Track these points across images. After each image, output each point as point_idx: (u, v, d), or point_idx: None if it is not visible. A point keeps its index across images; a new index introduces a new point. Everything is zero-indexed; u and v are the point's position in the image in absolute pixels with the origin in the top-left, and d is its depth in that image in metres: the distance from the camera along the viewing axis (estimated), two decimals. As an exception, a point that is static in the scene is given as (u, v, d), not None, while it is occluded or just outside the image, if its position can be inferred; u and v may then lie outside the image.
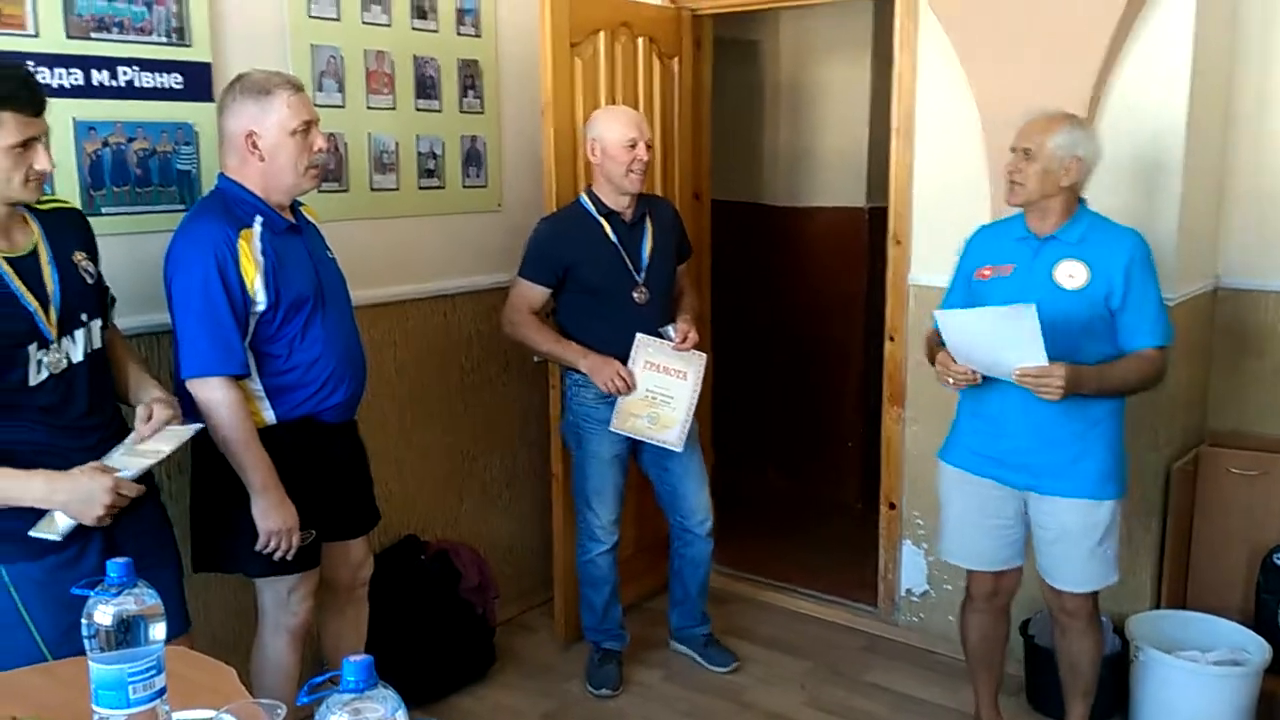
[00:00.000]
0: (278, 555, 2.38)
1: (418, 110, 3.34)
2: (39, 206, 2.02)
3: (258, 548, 2.36)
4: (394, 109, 3.27)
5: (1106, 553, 2.63)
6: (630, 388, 3.09)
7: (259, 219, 2.35)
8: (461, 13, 3.44)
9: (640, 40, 3.68)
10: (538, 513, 3.73)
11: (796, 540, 4.46)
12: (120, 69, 2.60)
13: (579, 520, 3.36)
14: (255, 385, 2.37)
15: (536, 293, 3.17)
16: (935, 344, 2.67)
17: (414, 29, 3.31)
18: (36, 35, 2.45)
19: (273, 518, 2.34)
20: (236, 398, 2.29)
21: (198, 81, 2.76)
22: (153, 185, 2.69)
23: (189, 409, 2.28)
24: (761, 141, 5.14)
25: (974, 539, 2.75)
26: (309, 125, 2.37)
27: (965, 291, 2.70)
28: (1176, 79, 2.95)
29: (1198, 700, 2.85)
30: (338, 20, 3.09)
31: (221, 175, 2.42)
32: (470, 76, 3.49)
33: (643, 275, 3.17)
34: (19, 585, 1.92)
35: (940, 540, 2.86)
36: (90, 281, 2.06)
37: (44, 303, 1.93)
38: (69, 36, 2.51)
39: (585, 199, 3.19)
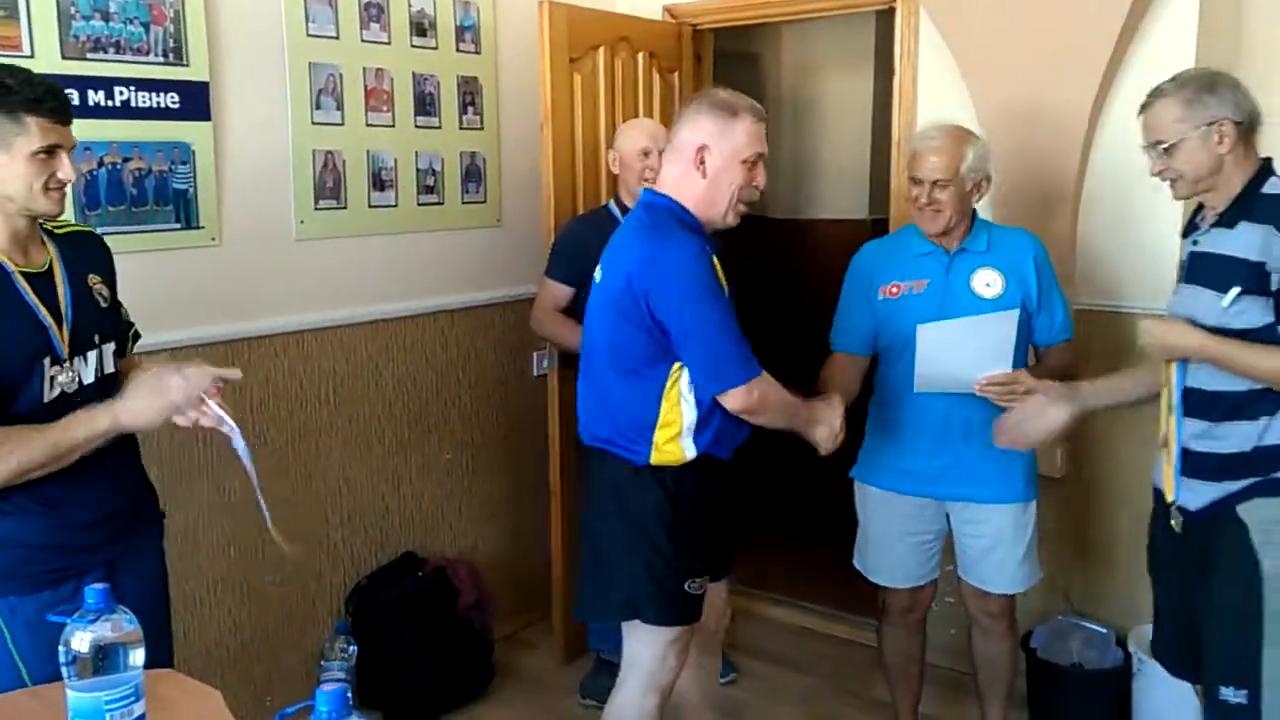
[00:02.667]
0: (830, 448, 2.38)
1: (417, 127, 3.35)
2: (56, 230, 2.01)
3: (825, 450, 2.37)
4: (393, 126, 3.28)
5: (1033, 552, 2.70)
6: None
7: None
8: (461, 30, 3.45)
9: (640, 55, 3.68)
10: (537, 528, 3.72)
11: (800, 555, 4.44)
12: (117, 89, 2.62)
13: None
14: (690, 413, 2.25)
15: (561, 292, 3.19)
16: (834, 378, 2.67)
17: (413, 46, 3.32)
18: (32, 56, 2.46)
19: (829, 431, 2.36)
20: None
21: (195, 101, 2.77)
22: (149, 205, 2.70)
23: None
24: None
25: (896, 556, 2.77)
26: (760, 157, 2.28)
27: (866, 312, 2.68)
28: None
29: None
30: (337, 38, 3.11)
31: (658, 194, 2.30)
32: (470, 93, 3.50)
33: None
34: (10, 621, 1.88)
35: (861, 558, 2.85)
36: (104, 305, 2.03)
37: (58, 320, 1.92)
38: (65, 57, 2.52)
39: (612, 204, 3.24)
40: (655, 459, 2.26)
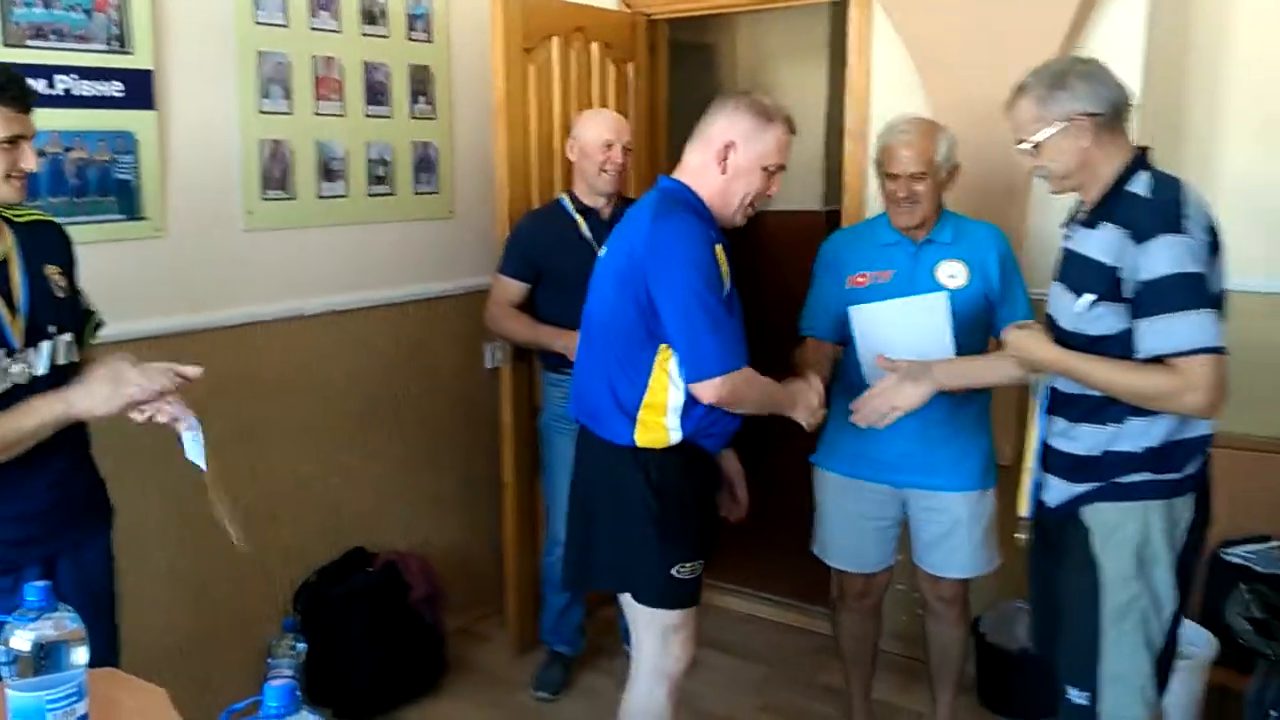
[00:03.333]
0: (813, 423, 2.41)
1: (368, 116, 3.32)
2: (17, 219, 1.97)
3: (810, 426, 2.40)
4: (343, 115, 3.24)
5: (991, 538, 2.74)
6: None
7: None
8: (413, 18, 3.42)
9: (594, 45, 3.66)
10: (490, 521, 3.71)
11: (751, 543, 4.41)
12: (58, 77, 2.56)
13: (547, 520, 3.38)
14: (676, 395, 2.25)
15: (515, 287, 3.20)
16: (807, 361, 2.68)
17: (364, 35, 3.28)
18: (-31, 42, 2.40)
19: (807, 410, 2.39)
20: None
21: (139, 89, 2.72)
22: (91, 195, 2.65)
23: None
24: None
25: (854, 542, 2.80)
26: (781, 168, 2.31)
27: (836, 298, 2.68)
28: (1129, 81, 2.96)
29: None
30: (285, 26, 3.06)
31: (673, 180, 2.32)
32: (422, 82, 3.47)
33: None
34: None
35: (819, 544, 2.88)
36: (61, 295, 2.00)
37: (12, 310, 1.88)
38: (5, 44, 2.46)
39: (565, 198, 3.24)
40: (640, 438, 2.26)
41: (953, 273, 2.60)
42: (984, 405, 2.72)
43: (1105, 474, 2.08)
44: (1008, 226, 2.98)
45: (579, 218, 3.19)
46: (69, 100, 2.59)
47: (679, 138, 4.40)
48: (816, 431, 2.82)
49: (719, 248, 2.22)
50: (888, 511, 2.77)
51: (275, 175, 3.07)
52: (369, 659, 3.15)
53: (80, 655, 1.38)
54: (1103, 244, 2.02)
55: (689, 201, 2.26)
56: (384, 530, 3.48)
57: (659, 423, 2.26)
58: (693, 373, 2.18)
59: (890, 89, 3.36)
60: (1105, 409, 2.07)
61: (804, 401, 2.40)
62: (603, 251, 2.38)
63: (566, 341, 3.11)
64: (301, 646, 3.10)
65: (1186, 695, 2.86)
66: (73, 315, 2.03)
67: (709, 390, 2.18)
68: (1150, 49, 2.97)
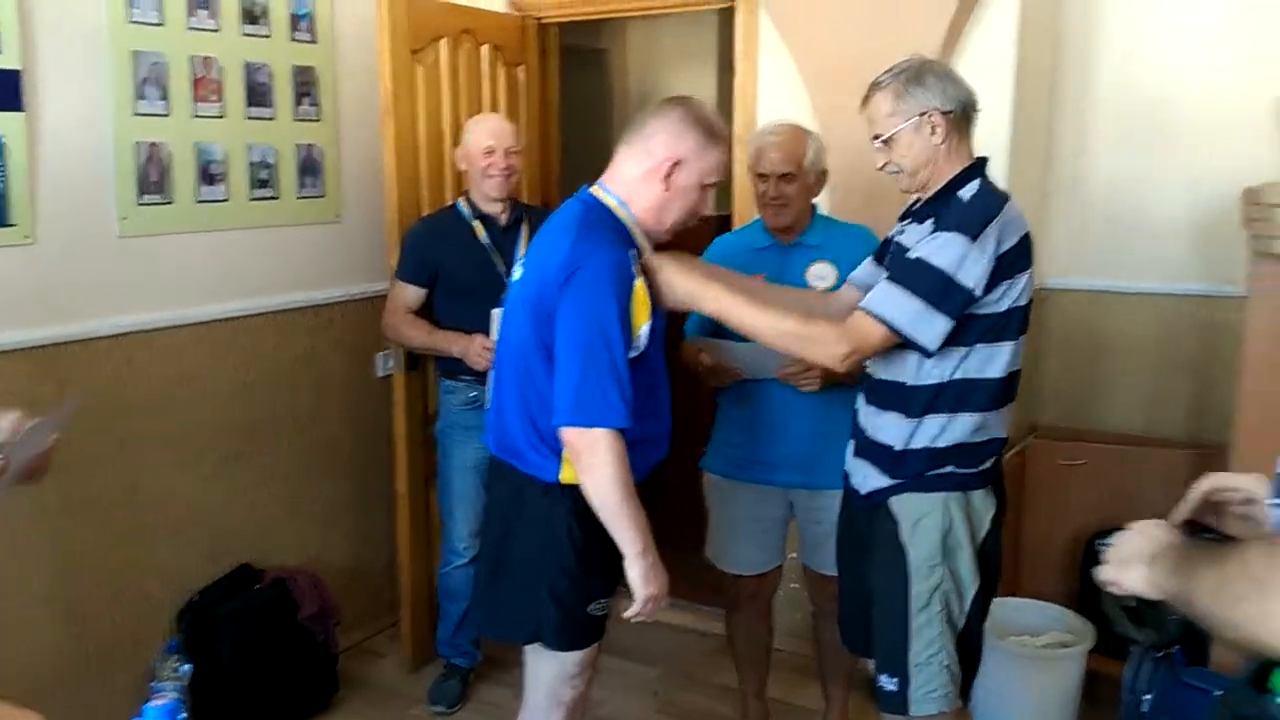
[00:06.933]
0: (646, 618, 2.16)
1: (249, 118, 3.22)
2: None
3: (631, 614, 2.13)
4: (223, 117, 3.14)
5: None
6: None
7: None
8: (296, 18, 3.34)
9: (484, 48, 3.63)
10: (383, 534, 3.64)
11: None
12: (-88, 75, 2.43)
13: (443, 530, 3.34)
14: None
15: (411, 293, 3.17)
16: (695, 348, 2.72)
17: (244, 34, 3.19)
18: None
19: (654, 582, 2.10)
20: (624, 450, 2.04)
21: (5, 90, 2.60)
22: (-50, 199, 2.52)
23: None
24: (611, 150, 5.14)
25: (743, 545, 2.83)
26: (717, 185, 2.21)
27: None
28: (1002, 90, 3.08)
29: (1029, 682, 2.98)
30: (161, 25, 2.96)
31: (593, 197, 2.18)
32: (306, 83, 3.39)
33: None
34: None
35: (710, 548, 2.90)
36: None
37: None
38: None
39: (461, 203, 3.22)
40: (565, 475, 2.12)
41: (822, 274, 2.65)
42: None
43: (913, 467, 2.15)
44: (884, 228, 3.05)
45: (476, 223, 3.17)
46: (-75, 100, 2.45)
47: (571, 141, 4.43)
48: (707, 434, 2.85)
49: (639, 284, 2.06)
50: (774, 513, 2.80)
51: (152, 179, 2.96)
52: (257, 679, 3.05)
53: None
54: (917, 237, 2.10)
55: (612, 224, 2.13)
56: (272, 546, 3.38)
57: None
58: (564, 411, 2.02)
59: (777, 95, 3.41)
60: (907, 401, 2.13)
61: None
62: (517, 273, 2.25)
63: (464, 346, 3.08)
64: (186, 668, 3.01)
65: (1066, 682, 2.98)
66: None
67: (573, 436, 2.03)
68: (1022, 59, 3.08)
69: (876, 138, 2.14)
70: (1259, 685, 1.10)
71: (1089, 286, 3.49)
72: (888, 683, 2.19)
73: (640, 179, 2.15)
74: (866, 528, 2.25)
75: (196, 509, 3.17)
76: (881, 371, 2.18)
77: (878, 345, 2.06)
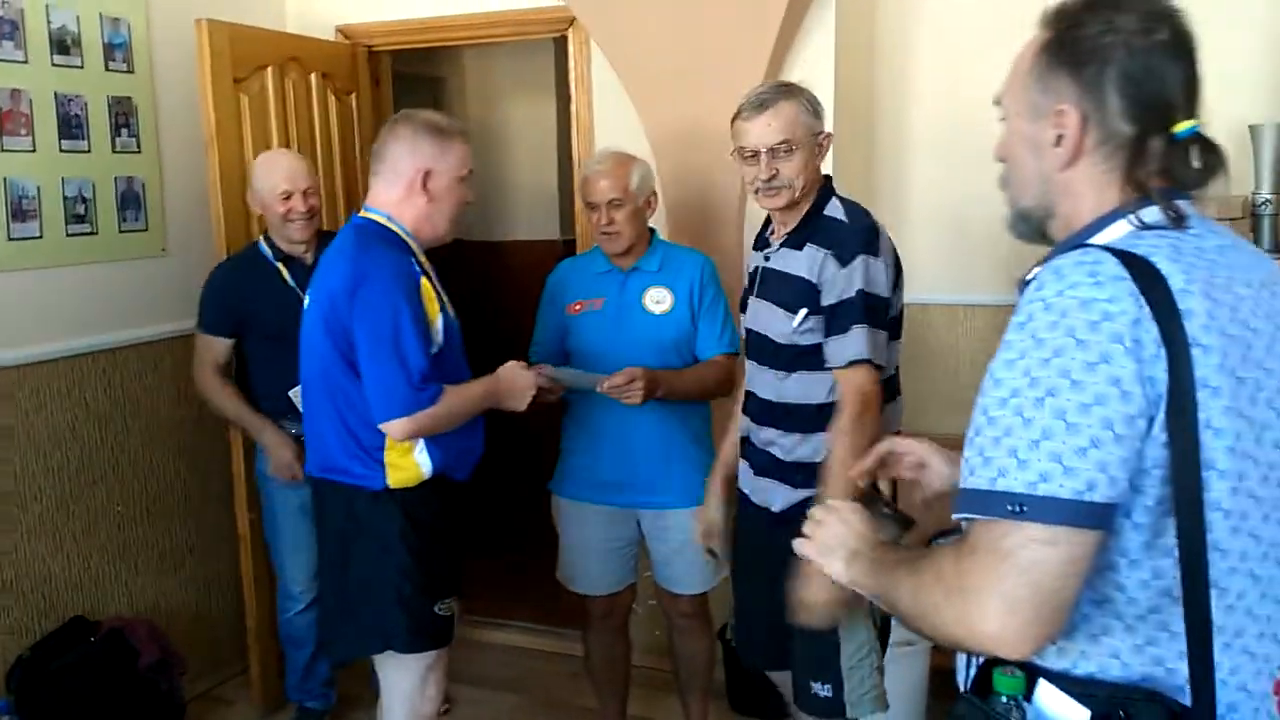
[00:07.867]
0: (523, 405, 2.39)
1: (63, 151, 3.09)
2: None
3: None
4: (33, 150, 3.00)
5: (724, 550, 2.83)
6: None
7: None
8: (110, 47, 3.21)
9: (313, 76, 3.57)
10: (226, 577, 3.50)
11: (498, 571, 4.33)
12: None
13: (278, 578, 3.23)
14: None
15: (218, 344, 3.06)
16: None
17: (55, 65, 3.05)
18: None
19: (522, 388, 2.38)
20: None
21: None
22: None
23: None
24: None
25: (593, 566, 2.86)
26: (471, 174, 2.37)
27: (558, 327, 2.81)
28: (824, 101, 3.17)
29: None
30: (-40, 56, 2.81)
31: (367, 217, 2.32)
32: (123, 114, 3.26)
33: None
34: None
35: (560, 569, 2.92)
36: None
37: None
38: None
39: (262, 243, 3.09)
40: (392, 479, 2.25)
41: (659, 299, 2.72)
42: (705, 420, 2.82)
43: (812, 481, 2.19)
44: (724, 249, 3.12)
45: (280, 266, 3.04)
46: None
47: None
48: (556, 456, 2.86)
49: (424, 280, 2.24)
50: (622, 533, 2.82)
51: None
52: (96, 735, 2.90)
53: None
54: (808, 263, 2.18)
55: (386, 236, 2.27)
56: (106, 596, 3.22)
57: (408, 461, 2.25)
58: (380, 412, 2.18)
59: (611, 120, 3.46)
60: (783, 418, 2.25)
61: (506, 391, 2.39)
62: (306, 302, 2.36)
63: (270, 438, 3.01)
64: (12, 731, 2.83)
65: (913, 677, 3.07)
66: None
67: (398, 429, 2.19)
68: (840, 80, 3.19)
69: (783, 144, 2.16)
70: (982, 691, 1.14)
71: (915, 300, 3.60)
72: (821, 690, 2.22)
73: (402, 198, 2.30)
74: (783, 540, 2.23)
75: (21, 562, 2.99)
76: (792, 397, 2.23)
77: (869, 382, 2.12)
